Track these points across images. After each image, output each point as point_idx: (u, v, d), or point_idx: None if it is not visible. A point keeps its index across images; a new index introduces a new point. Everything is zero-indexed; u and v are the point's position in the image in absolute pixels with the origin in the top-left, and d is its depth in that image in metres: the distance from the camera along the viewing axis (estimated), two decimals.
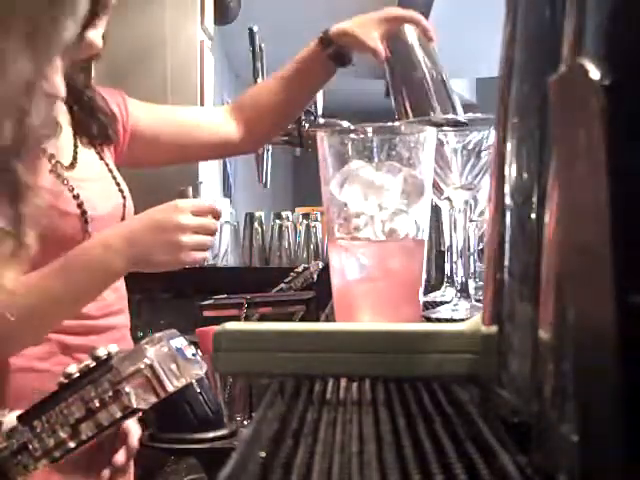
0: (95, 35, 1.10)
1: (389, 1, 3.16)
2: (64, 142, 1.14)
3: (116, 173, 1.23)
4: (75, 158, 1.16)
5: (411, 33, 1.28)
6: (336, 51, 1.31)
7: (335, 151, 0.66)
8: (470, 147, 0.80)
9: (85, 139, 1.19)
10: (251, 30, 1.64)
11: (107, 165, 1.21)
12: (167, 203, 1.07)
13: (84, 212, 1.10)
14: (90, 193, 1.13)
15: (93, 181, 1.16)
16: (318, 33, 1.32)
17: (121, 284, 1.20)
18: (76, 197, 1.10)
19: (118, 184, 1.21)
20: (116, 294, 1.18)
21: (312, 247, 2.81)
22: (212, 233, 1.08)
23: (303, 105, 1.44)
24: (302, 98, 1.41)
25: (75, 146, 1.17)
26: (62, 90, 0.81)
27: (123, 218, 1.19)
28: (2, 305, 0.87)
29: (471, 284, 0.89)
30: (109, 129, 1.21)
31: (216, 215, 1.09)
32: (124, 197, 1.21)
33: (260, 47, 1.67)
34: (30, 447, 0.71)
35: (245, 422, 1.30)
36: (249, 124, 1.37)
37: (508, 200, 0.34)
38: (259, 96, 1.38)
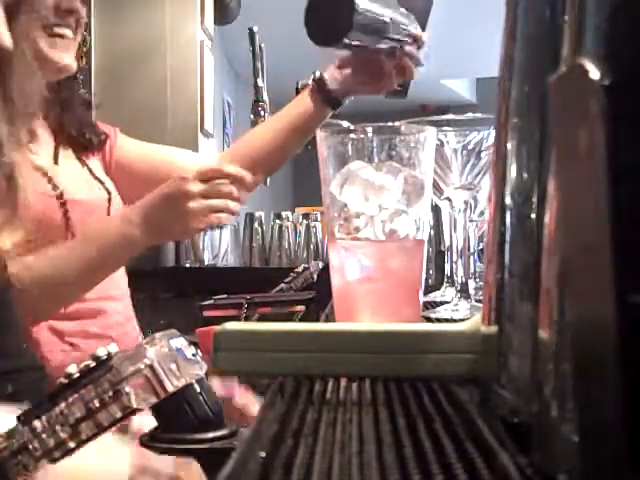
0: (68, 58, 1.12)
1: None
2: (44, 146, 1.15)
3: (100, 176, 1.23)
4: (56, 160, 1.17)
5: None
6: (331, 96, 1.28)
7: (335, 151, 0.66)
8: (470, 147, 0.80)
9: (66, 145, 1.19)
10: (251, 30, 1.64)
11: (90, 170, 1.22)
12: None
13: (61, 194, 1.11)
14: (67, 180, 1.14)
15: (72, 176, 1.17)
16: None
17: (117, 274, 1.21)
18: (50, 179, 1.11)
19: (102, 182, 1.22)
20: (110, 281, 1.18)
21: (312, 247, 2.81)
22: (226, 195, 1.07)
23: (297, 148, 1.43)
24: (296, 145, 1.38)
25: (56, 149, 1.18)
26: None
27: (109, 213, 1.20)
28: (26, 280, 0.91)
29: (471, 284, 0.89)
30: (89, 134, 1.21)
31: (231, 178, 1.08)
32: (109, 193, 1.22)
33: (260, 47, 1.67)
34: (30, 447, 0.71)
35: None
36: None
37: (508, 200, 0.34)
38: (253, 144, 1.35)
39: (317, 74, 1.27)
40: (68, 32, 1.13)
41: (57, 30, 1.12)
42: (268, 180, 1.53)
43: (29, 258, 0.97)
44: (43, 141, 1.16)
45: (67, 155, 1.20)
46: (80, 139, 1.21)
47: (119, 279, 1.23)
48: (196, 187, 1.04)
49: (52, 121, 1.18)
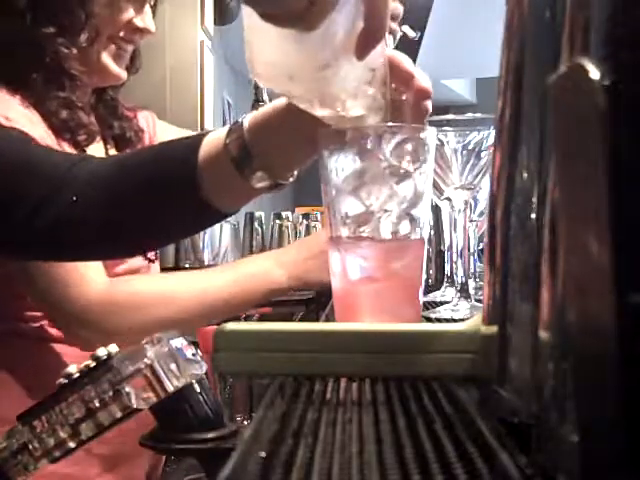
0: (123, 69, 1.14)
1: None
2: (95, 145, 1.15)
3: None
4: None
5: None
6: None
7: (335, 151, 0.66)
8: (470, 147, 0.80)
9: (112, 144, 1.20)
10: None
11: None
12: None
13: None
14: None
15: None
16: None
17: None
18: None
19: None
20: None
21: None
22: None
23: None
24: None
25: (105, 147, 1.18)
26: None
27: None
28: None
29: (471, 284, 0.89)
30: (129, 133, 1.22)
31: None
32: None
33: None
34: (30, 447, 0.71)
35: (245, 422, 1.30)
36: None
37: (508, 200, 0.34)
38: None
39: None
40: (129, 47, 1.15)
41: (122, 44, 1.14)
42: None
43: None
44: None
45: (113, 153, 1.20)
46: (123, 137, 1.21)
47: None
48: None
49: (98, 121, 1.18)
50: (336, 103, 0.66)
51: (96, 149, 1.13)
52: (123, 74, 1.16)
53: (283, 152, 0.75)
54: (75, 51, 1.06)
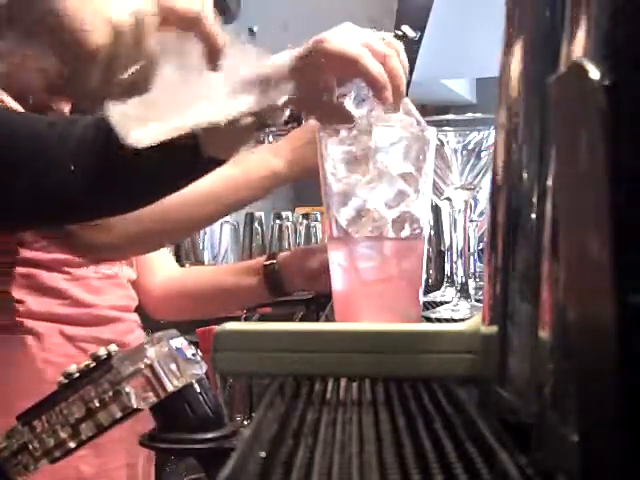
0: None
1: (389, 1, 3.16)
2: None
3: None
4: None
5: None
6: (277, 282, 1.21)
7: (335, 151, 0.66)
8: (470, 147, 0.80)
9: None
10: (251, 30, 1.65)
11: None
12: None
13: None
14: None
15: None
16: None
17: (129, 287, 1.21)
18: None
19: None
20: (123, 291, 1.18)
21: None
22: None
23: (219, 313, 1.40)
24: (221, 311, 1.37)
25: None
26: None
27: None
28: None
29: (471, 284, 0.89)
30: None
31: None
32: None
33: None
34: (30, 447, 0.71)
35: (245, 422, 1.31)
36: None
37: (508, 200, 0.34)
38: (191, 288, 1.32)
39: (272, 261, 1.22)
40: None
41: None
42: None
43: None
44: None
45: None
46: None
47: (130, 290, 1.23)
48: None
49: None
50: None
51: None
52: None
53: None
54: None
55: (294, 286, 1.21)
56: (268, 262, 1.20)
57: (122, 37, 0.64)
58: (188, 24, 0.68)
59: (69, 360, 1.00)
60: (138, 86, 0.66)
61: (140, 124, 0.64)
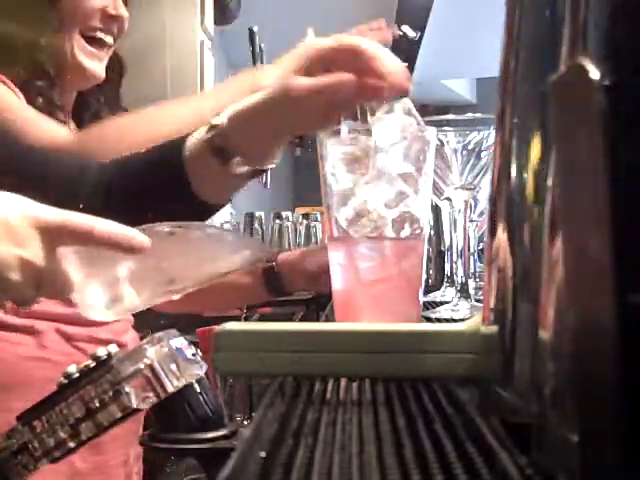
0: (100, 67, 1.12)
1: (389, 1, 3.16)
2: None
3: None
4: None
5: None
6: (277, 283, 1.20)
7: (335, 152, 0.66)
8: (470, 147, 0.80)
9: None
10: (251, 30, 1.65)
11: None
12: None
13: None
14: None
15: None
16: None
17: None
18: None
19: None
20: None
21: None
22: None
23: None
24: (219, 306, 1.36)
25: None
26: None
27: None
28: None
29: (471, 284, 0.89)
30: None
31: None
32: None
33: (260, 47, 1.68)
34: (30, 447, 0.71)
35: (245, 422, 1.30)
36: None
37: (508, 200, 0.34)
38: None
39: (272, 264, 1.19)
40: (109, 39, 1.14)
41: (99, 35, 1.12)
42: (269, 181, 1.53)
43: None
44: None
45: None
46: None
47: None
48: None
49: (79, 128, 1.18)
50: None
51: None
52: (99, 72, 1.14)
53: (259, 140, 0.79)
54: (43, 42, 1.06)
55: (294, 287, 1.21)
56: (267, 264, 1.20)
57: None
58: (83, 240, 0.63)
59: (67, 358, 1.00)
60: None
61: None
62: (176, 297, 0.70)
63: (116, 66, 1.22)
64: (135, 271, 0.66)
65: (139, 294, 0.67)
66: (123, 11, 1.15)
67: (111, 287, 0.67)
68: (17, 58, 1.04)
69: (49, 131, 0.97)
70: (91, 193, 0.79)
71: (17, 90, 1.03)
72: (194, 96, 1.19)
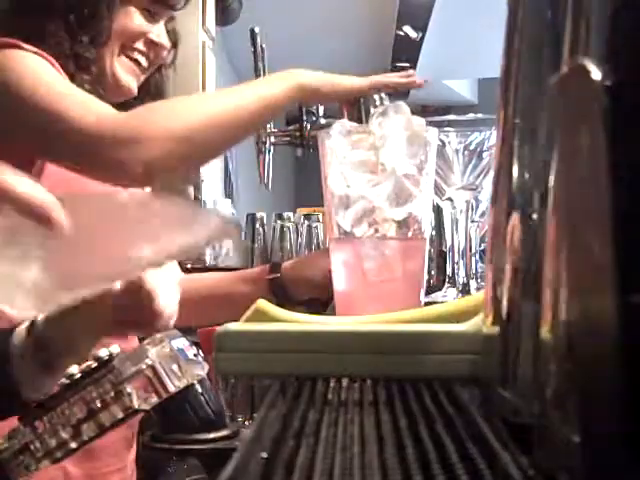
0: (132, 82, 1.17)
1: (390, 1, 3.16)
2: None
3: None
4: None
5: None
6: (283, 293, 1.18)
7: (336, 153, 0.66)
8: (472, 148, 0.80)
9: None
10: (252, 31, 1.64)
11: None
12: None
13: None
14: None
15: None
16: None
17: None
18: None
19: None
20: None
21: (314, 248, 2.80)
22: None
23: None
24: (221, 319, 1.35)
25: None
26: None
27: None
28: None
29: (473, 284, 0.89)
30: None
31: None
32: None
33: (262, 48, 1.67)
34: (32, 448, 0.71)
35: (246, 422, 1.30)
36: None
37: (510, 200, 0.34)
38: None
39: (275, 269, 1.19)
40: (143, 61, 1.16)
41: (136, 56, 1.15)
42: (270, 182, 1.52)
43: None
44: None
45: None
46: None
47: None
48: None
49: None
50: None
51: None
52: (133, 87, 1.17)
53: (68, 342, 0.77)
54: (93, 51, 1.08)
55: (300, 295, 1.21)
56: (272, 276, 1.20)
57: None
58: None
59: None
60: None
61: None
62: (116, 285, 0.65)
63: (149, 91, 1.24)
64: (57, 255, 0.57)
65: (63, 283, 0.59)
66: (165, 41, 1.18)
67: (25, 277, 0.57)
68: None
69: (96, 110, 0.98)
70: None
71: (64, 74, 1.04)
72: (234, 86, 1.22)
